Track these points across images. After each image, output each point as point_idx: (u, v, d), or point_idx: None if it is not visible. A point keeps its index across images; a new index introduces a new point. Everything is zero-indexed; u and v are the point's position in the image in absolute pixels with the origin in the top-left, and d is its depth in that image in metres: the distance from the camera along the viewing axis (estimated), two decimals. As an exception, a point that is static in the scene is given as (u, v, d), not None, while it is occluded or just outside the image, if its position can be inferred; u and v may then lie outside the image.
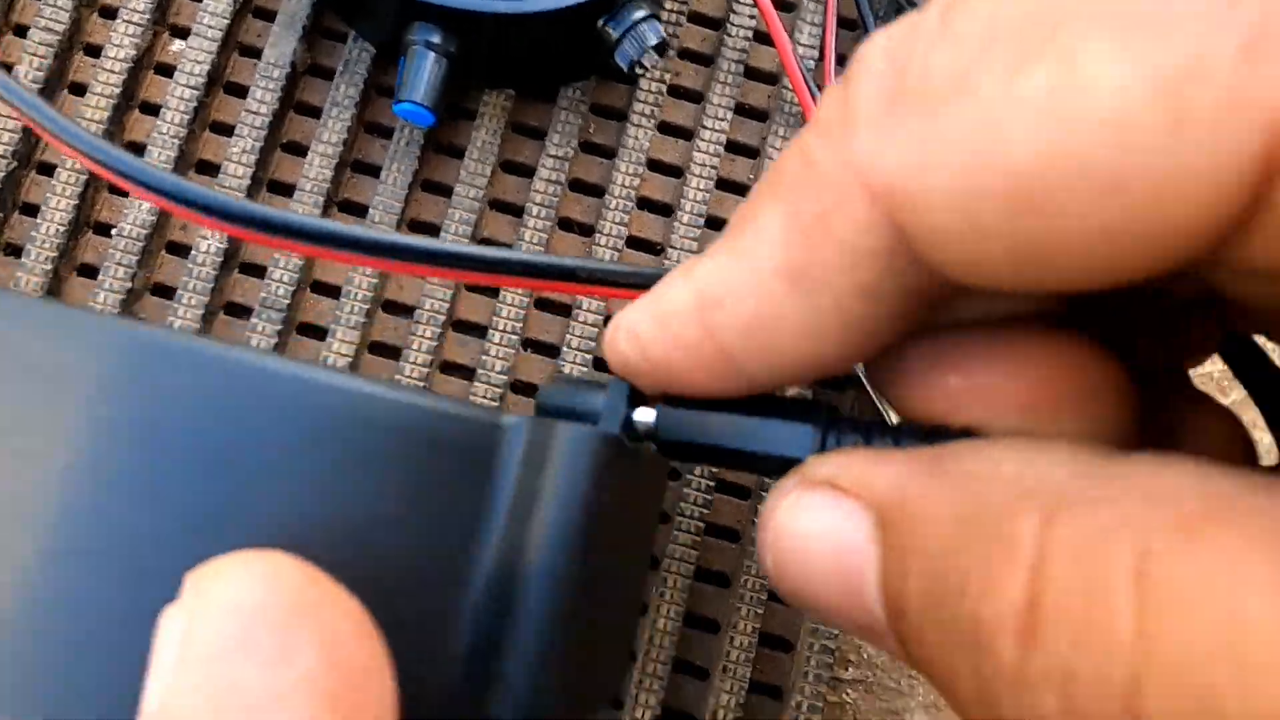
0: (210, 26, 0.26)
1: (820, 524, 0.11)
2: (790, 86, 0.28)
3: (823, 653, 0.25)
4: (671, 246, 0.27)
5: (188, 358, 0.12)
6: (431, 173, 0.27)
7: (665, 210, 0.28)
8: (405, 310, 0.26)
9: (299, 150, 0.27)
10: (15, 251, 0.26)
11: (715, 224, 0.27)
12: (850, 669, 0.28)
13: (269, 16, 0.27)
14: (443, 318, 0.26)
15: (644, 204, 0.28)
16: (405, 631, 0.12)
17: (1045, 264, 0.09)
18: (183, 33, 0.27)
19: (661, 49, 0.25)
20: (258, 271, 0.26)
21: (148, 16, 0.26)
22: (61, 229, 0.25)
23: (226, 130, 0.27)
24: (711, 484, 0.26)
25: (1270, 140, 0.08)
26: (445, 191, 0.27)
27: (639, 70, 0.26)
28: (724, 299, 0.11)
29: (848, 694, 0.28)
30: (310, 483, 0.12)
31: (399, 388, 0.12)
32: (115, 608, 0.11)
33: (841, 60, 0.28)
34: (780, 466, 0.12)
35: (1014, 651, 0.08)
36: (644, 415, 0.13)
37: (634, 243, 0.27)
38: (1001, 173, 0.08)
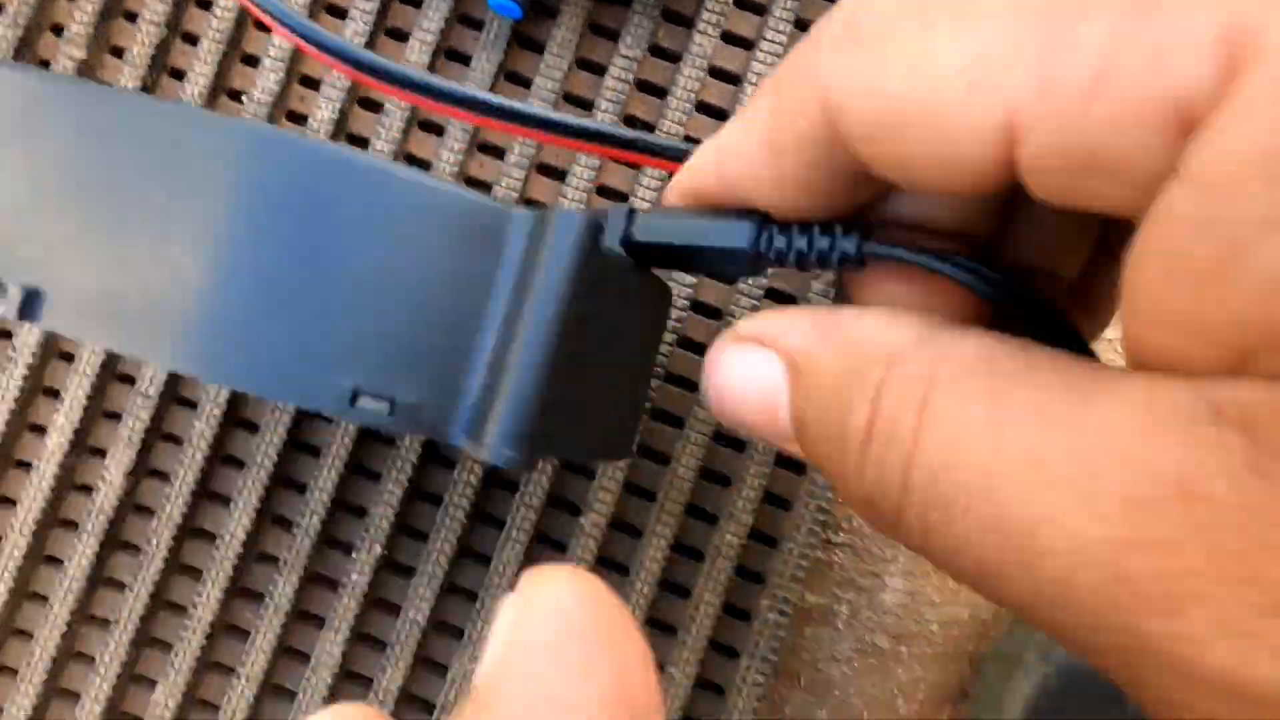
0: (329, -85, 0.29)
1: (749, 369, 0.16)
2: (849, 6, 0.30)
3: (817, 511, 0.29)
4: (723, 148, 0.30)
5: (281, 146, 0.16)
6: (514, 64, 0.31)
7: (720, 115, 0.30)
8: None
9: (401, 36, 0.30)
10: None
11: (765, 131, 0.30)
12: (841, 534, 0.32)
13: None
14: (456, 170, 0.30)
15: (702, 108, 0.30)
16: (432, 363, 0.16)
17: (904, 166, 0.13)
18: (304, -81, 0.30)
19: None
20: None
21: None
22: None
23: (341, 14, 0.30)
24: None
25: (1008, 119, 0.11)
26: (525, 83, 0.30)
27: None
28: (728, 156, 0.16)
29: (836, 555, 0.32)
30: (373, 246, 0.16)
31: (441, 180, 0.16)
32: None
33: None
34: (727, 259, 0.17)
35: (858, 450, 0.13)
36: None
37: (689, 141, 0.30)
38: (883, 99, 0.13)
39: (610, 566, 0.30)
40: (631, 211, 0.18)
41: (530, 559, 0.30)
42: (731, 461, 0.30)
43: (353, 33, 0.29)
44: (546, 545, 0.30)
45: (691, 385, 0.30)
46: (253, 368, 0.16)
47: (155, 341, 0.16)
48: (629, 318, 0.20)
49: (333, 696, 0.30)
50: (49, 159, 0.17)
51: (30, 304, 0.16)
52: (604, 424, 0.20)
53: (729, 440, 0.30)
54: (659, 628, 0.30)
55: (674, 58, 0.31)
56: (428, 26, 0.30)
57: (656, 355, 0.24)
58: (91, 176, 0.17)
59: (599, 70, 0.30)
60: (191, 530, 0.30)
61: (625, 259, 0.18)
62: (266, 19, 0.21)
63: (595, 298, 0.17)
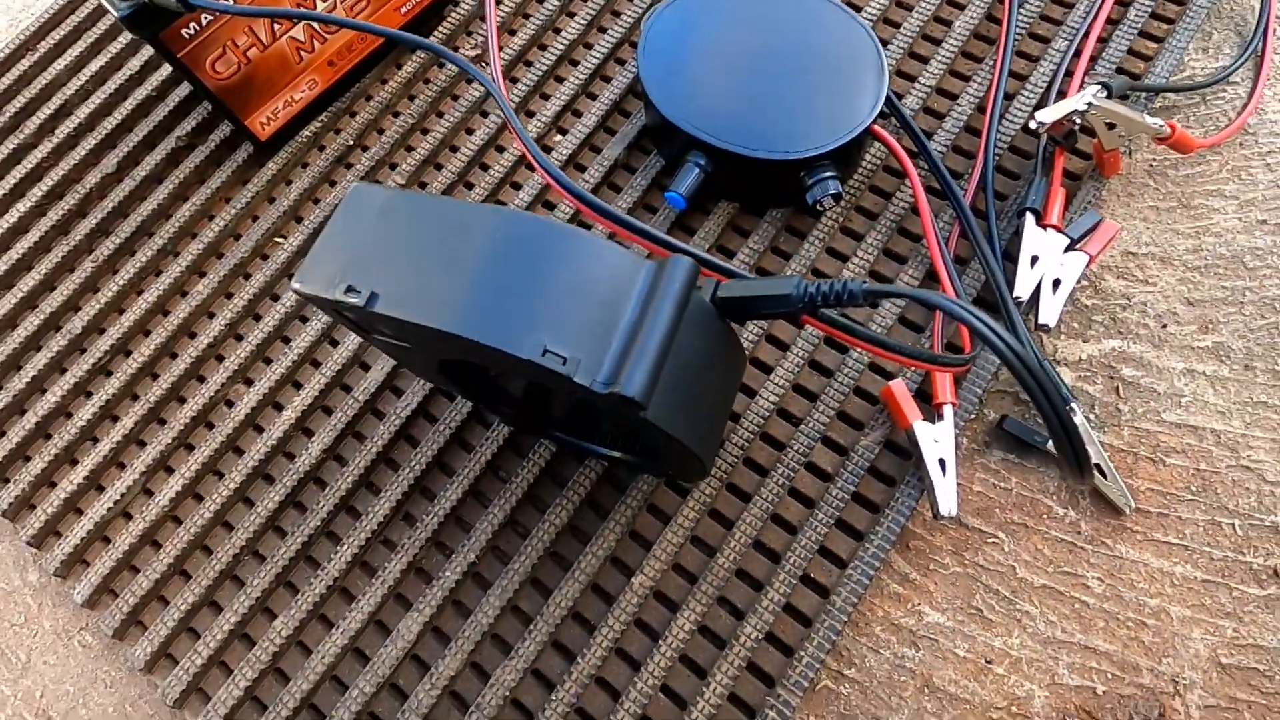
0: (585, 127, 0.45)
1: None
2: (925, 245, 0.39)
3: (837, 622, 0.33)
4: (809, 322, 0.39)
5: (528, 220, 0.27)
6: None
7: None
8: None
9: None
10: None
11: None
12: (853, 669, 0.35)
13: (612, 132, 0.45)
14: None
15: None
16: (591, 339, 0.25)
17: None
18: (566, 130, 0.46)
19: (837, 198, 0.39)
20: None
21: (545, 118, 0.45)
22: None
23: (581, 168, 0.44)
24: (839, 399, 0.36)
25: None
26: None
27: (819, 208, 0.39)
28: None
29: (844, 688, 0.35)
30: (567, 268, 0.26)
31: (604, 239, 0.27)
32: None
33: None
34: (782, 303, 0.27)
35: None
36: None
37: (785, 314, 0.40)
38: None
39: (700, 545, 0.35)
40: (717, 283, 0.28)
41: (617, 560, 0.36)
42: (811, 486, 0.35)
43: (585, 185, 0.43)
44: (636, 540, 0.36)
45: (773, 441, 0.37)
46: (491, 327, 0.26)
47: (437, 314, 0.27)
48: (714, 351, 0.29)
49: (403, 663, 0.36)
50: (388, 233, 0.29)
51: (371, 301, 0.28)
52: (694, 423, 0.28)
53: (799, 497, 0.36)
54: (708, 635, 0.34)
55: (786, 256, 0.41)
56: (620, 204, 0.43)
57: (733, 398, 0.32)
58: (414, 238, 0.29)
59: (729, 255, 0.42)
60: (347, 507, 0.39)
61: (711, 308, 0.27)
62: (540, 172, 0.33)
63: (693, 320, 0.26)
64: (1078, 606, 0.35)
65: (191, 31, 0.40)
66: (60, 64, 0.51)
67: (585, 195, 0.36)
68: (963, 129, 0.42)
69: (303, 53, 0.44)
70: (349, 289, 0.28)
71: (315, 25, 0.44)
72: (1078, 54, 0.42)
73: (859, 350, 0.38)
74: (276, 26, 0.42)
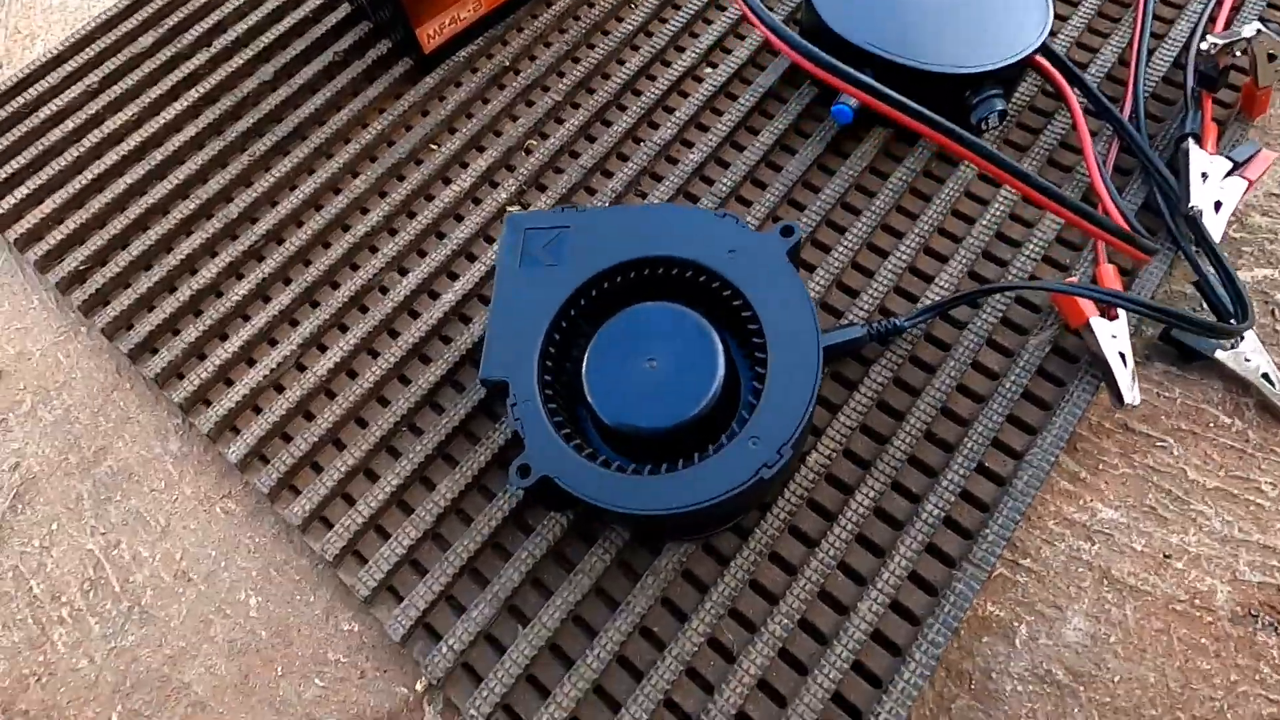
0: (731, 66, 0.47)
1: None
2: (1085, 167, 0.41)
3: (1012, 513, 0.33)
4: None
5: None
6: (825, 161, 0.44)
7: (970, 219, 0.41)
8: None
9: (755, 130, 0.45)
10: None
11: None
12: (1028, 559, 0.34)
13: (761, 68, 0.47)
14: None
15: (943, 232, 0.41)
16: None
17: None
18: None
19: (1003, 115, 0.40)
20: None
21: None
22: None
23: (718, 113, 0.46)
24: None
25: None
26: (831, 172, 0.43)
27: (983, 127, 0.41)
28: None
29: (1021, 577, 0.34)
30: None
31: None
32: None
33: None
34: (858, 344, 0.31)
35: None
36: None
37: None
38: None
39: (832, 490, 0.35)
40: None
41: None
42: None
43: (724, 125, 0.44)
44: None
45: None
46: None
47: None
48: None
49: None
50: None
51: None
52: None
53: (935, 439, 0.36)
54: (851, 575, 0.34)
55: (925, 198, 0.43)
56: (775, 127, 0.44)
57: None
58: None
59: (882, 175, 0.43)
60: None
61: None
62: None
63: None
64: (1253, 508, 0.35)
65: (388, -69, 0.42)
66: (219, -16, 0.53)
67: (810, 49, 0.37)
68: (1111, 71, 0.44)
69: (476, -28, 0.47)
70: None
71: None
72: (1219, 2, 0.44)
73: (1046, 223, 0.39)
74: (458, -59, 0.45)
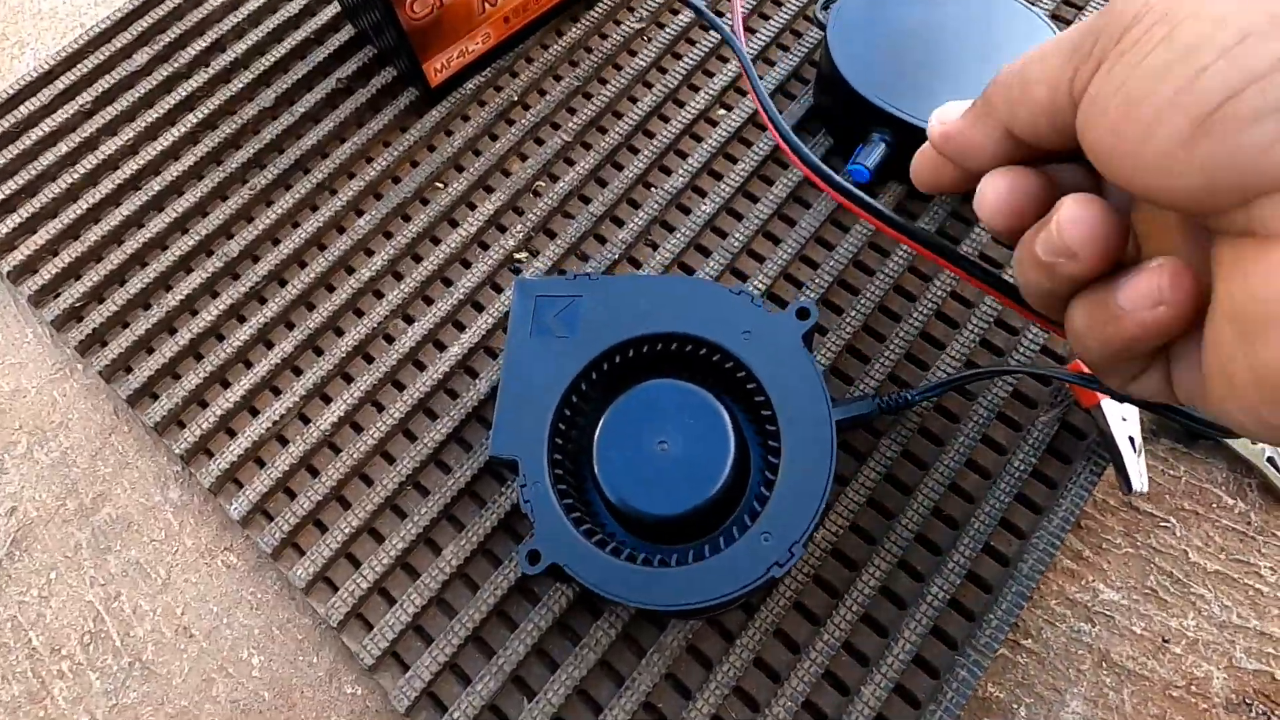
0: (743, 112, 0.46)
1: None
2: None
3: (1017, 598, 0.33)
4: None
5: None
6: (839, 217, 0.43)
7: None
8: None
9: (769, 180, 0.44)
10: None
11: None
12: (1029, 640, 0.35)
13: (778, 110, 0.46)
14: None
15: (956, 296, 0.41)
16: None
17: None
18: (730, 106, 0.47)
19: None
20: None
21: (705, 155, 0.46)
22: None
23: (732, 160, 0.45)
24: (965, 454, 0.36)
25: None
26: (845, 229, 0.43)
27: (999, 191, 0.40)
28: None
29: (1021, 658, 0.35)
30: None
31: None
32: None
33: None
34: (870, 418, 0.33)
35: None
36: None
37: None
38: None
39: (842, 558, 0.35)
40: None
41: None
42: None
43: (738, 173, 0.44)
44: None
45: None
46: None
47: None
48: None
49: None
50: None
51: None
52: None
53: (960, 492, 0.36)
54: (855, 655, 0.34)
55: (955, 240, 0.42)
56: (787, 180, 0.44)
57: None
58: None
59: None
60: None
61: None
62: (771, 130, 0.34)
63: None
64: (1251, 594, 0.35)
65: (398, -33, 0.40)
66: (215, 0, 0.51)
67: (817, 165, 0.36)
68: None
69: (486, 4, 0.45)
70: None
71: (501, -20, 0.45)
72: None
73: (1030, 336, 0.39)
74: (469, -25, 0.43)
